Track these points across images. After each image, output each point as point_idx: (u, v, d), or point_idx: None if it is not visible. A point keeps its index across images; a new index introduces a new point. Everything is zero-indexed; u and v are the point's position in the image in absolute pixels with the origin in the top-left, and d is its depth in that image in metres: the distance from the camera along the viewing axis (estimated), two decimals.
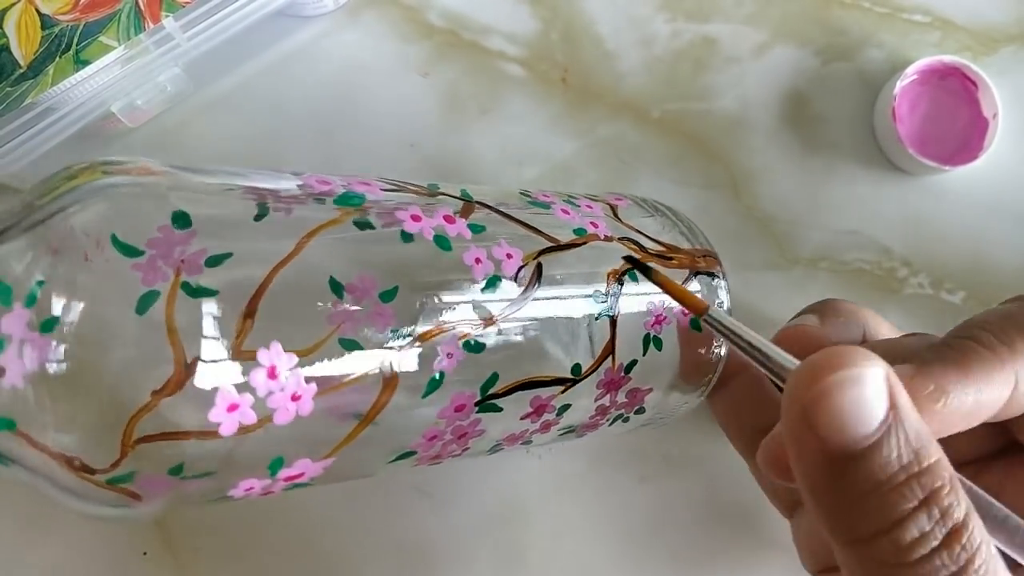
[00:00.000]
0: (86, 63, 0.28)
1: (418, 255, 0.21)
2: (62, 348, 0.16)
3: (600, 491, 0.33)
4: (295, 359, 0.18)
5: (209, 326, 0.17)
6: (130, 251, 0.17)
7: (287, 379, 0.18)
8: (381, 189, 0.22)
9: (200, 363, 0.17)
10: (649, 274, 0.21)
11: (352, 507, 0.31)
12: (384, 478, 0.31)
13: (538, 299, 0.22)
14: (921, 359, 0.19)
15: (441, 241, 0.21)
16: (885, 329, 0.25)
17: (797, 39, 0.37)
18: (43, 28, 0.28)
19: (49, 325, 0.16)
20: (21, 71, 0.28)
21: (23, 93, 0.27)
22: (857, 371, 0.15)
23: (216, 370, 0.17)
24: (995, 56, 0.37)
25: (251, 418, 0.18)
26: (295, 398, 0.18)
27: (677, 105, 0.36)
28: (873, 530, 0.15)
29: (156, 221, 0.18)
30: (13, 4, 0.28)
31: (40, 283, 0.17)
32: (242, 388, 0.18)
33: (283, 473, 0.20)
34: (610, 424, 0.26)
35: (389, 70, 0.35)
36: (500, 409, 0.22)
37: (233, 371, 0.17)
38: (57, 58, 0.28)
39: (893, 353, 0.20)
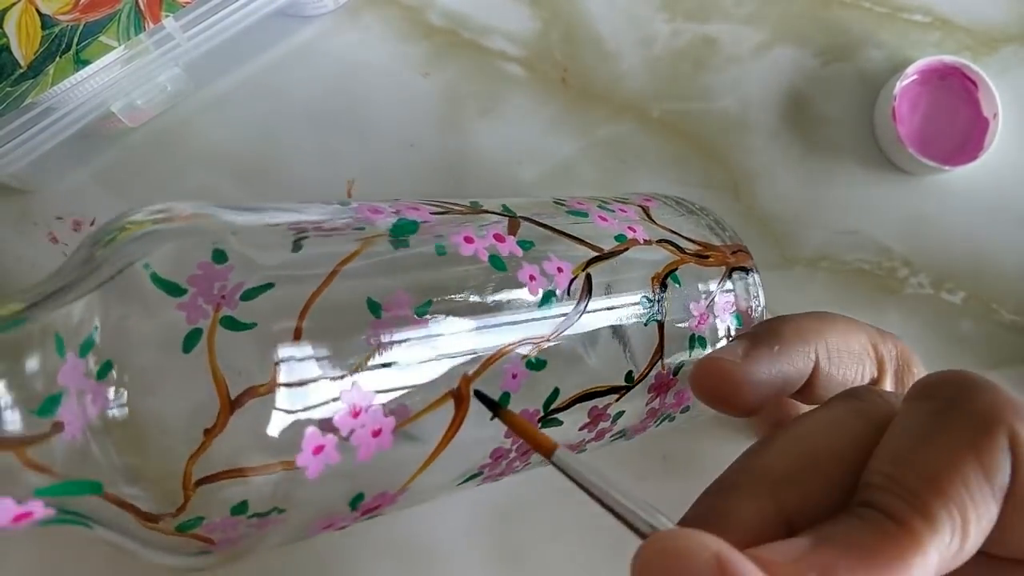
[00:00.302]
0: (86, 63, 0.28)
1: (470, 274, 0.21)
2: (122, 394, 0.16)
3: None
4: (374, 396, 0.18)
5: (280, 369, 0.17)
6: (173, 289, 0.17)
7: (368, 415, 0.18)
8: (430, 213, 0.22)
9: (276, 411, 0.17)
10: (498, 413, 0.20)
11: None
12: None
13: (590, 310, 0.22)
14: (819, 535, 0.15)
15: (496, 261, 0.21)
16: (849, 357, 0.21)
17: (797, 39, 0.37)
18: (43, 28, 0.28)
19: (104, 371, 0.16)
20: (21, 71, 0.28)
21: (23, 93, 0.27)
22: (682, 551, 0.14)
23: (285, 408, 0.17)
24: (995, 56, 0.37)
25: (335, 459, 0.18)
26: (376, 433, 0.18)
27: (677, 105, 0.36)
28: None
29: (197, 260, 0.18)
30: (13, 4, 0.28)
31: (95, 329, 0.17)
32: (326, 428, 0.18)
33: (362, 506, 0.20)
34: (657, 425, 0.26)
35: (389, 70, 0.35)
36: (561, 423, 0.22)
37: (312, 409, 0.17)
38: (57, 58, 0.28)
39: (814, 448, 0.17)
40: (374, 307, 0.19)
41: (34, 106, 0.28)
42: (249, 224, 0.20)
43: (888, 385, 0.22)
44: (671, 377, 0.24)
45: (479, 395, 0.20)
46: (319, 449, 0.18)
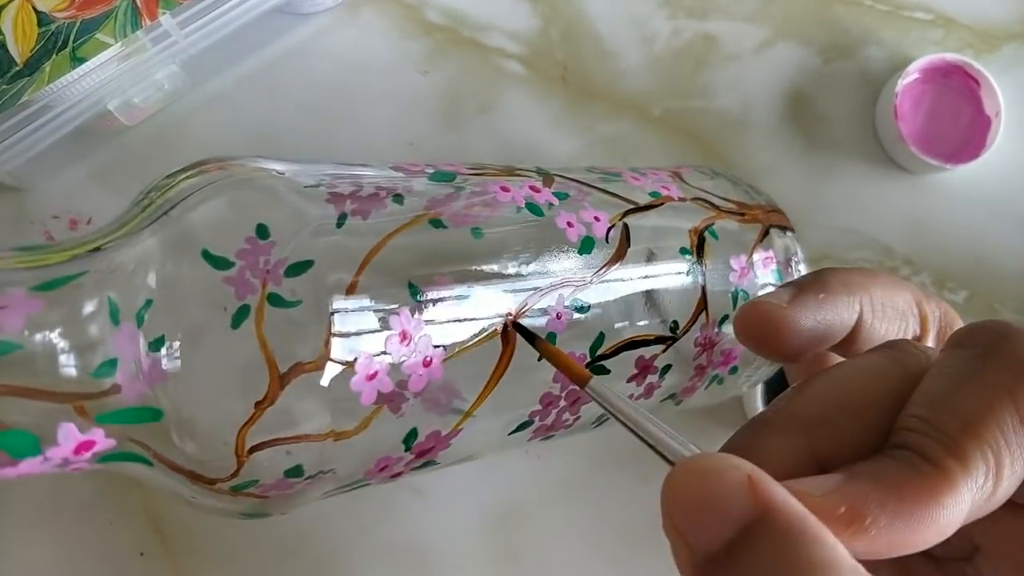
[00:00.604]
0: (83, 60, 0.28)
1: (510, 219, 0.21)
2: (174, 364, 0.17)
3: (601, 491, 0.33)
4: (423, 323, 0.19)
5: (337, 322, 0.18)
6: (220, 263, 0.17)
7: (418, 343, 0.19)
8: (466, 169, 0.23)
9: (330, 362, 0.17)
10: (535, 343, 0.20)
11: (347, 507, 0.31)
12: None
13: (629, 264, 0.23)
14: (852, 471, 0.15)
15: (533, 208, 0.22)
16: (893, 312, 0.21)
17: (799, 37, 0.36)
18: (39, 25, 0.28)
19: (158, 344, 0.17)
20: (17, 68, 0.27)
21: (19, 91, 0.27)
22: (713, 469, 0.14)
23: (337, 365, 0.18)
24: (997, 54, 0.37)
25: (388, 386, 0.18)
26: (427, 363, 0.19)
27: (678, 103, 0.36)
28: None
29: (244, 231, 0.18)
30: (10, 1, 0.28)
31: (148, 302, 0.17)
32: (378, 356, 0.18)
33: (416, 446, 0.20)
34: (707, 387, 0.26)
35: (388, 68, 0.34)
36: (608, 371, 0.22)
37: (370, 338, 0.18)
38: (53, 55, 0.28)
39: (850, 391, 0.17)
40: (421, 263, 0.19)
41: (30, 104, 0.27)
42: (295, 174, 0.20)
43: (931, 344, 0.21)
44: (716, 331, 0.24)
45: (518, 327, 0.20)
46: (372, 376, 0.18)
